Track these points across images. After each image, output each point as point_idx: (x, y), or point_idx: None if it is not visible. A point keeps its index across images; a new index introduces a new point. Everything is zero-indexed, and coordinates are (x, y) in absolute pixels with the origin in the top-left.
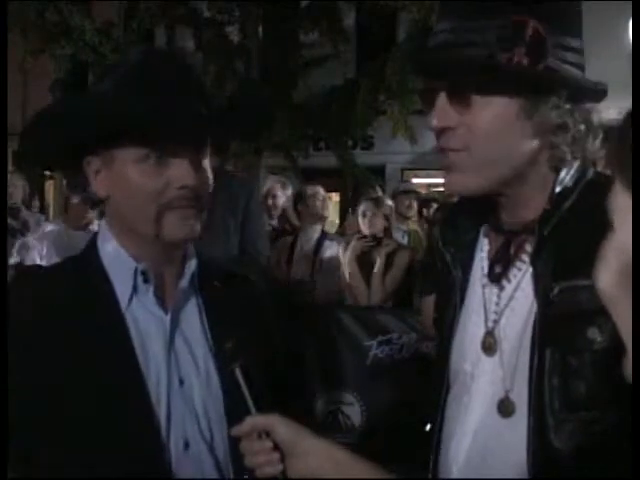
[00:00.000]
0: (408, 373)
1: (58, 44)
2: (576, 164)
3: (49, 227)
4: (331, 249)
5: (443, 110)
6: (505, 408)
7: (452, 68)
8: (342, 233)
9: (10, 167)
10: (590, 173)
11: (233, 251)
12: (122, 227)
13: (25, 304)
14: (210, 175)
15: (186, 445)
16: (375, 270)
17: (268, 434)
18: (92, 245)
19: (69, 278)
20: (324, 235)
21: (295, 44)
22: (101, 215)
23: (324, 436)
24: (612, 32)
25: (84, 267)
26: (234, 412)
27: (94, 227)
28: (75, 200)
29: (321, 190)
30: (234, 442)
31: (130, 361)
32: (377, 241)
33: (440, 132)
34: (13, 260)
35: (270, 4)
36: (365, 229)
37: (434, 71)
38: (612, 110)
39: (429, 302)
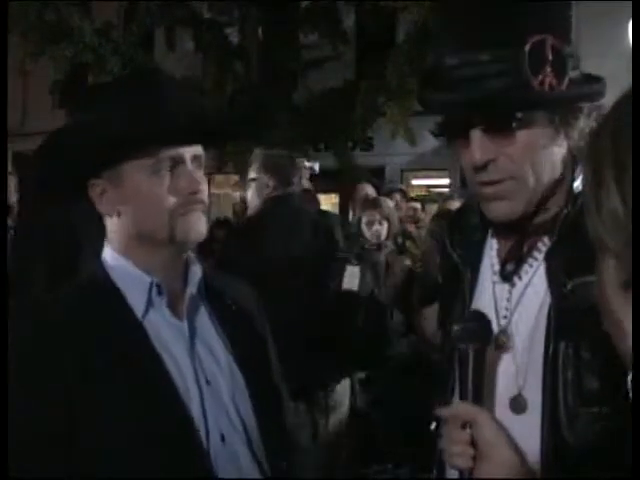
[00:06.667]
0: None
1: (58, 46)
2: None
3: None
4: None
5: (482, 144)
6: (518, 405)
7: (490, 102)
8: None
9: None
10: None
11: None
12: (131, 239)
13: (45, 333)
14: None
15: (222, 438)
16: None
17: (471, 426)
18: (99, 267)
19: (83, 301)
20: None
21: (295, 45)
22: None
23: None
24: (612, 32)
25: (95, 288)
26: (259, 407)
27: None
28: None
29: None
30: (266, 433)
31: (156, 365)
32: (377, 245)
33: (479, 166)
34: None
35: (270, 5)
36: (372, 238)
37: (470, 107)
38: None
39: (428, 312)
